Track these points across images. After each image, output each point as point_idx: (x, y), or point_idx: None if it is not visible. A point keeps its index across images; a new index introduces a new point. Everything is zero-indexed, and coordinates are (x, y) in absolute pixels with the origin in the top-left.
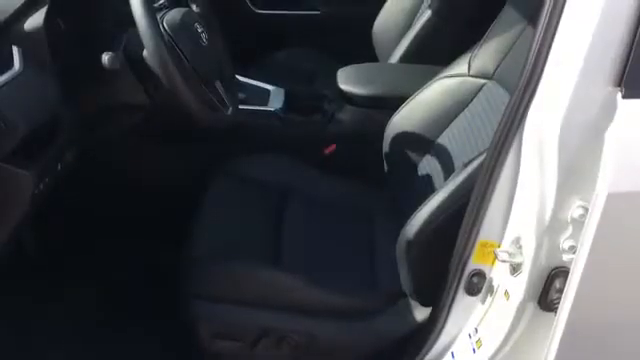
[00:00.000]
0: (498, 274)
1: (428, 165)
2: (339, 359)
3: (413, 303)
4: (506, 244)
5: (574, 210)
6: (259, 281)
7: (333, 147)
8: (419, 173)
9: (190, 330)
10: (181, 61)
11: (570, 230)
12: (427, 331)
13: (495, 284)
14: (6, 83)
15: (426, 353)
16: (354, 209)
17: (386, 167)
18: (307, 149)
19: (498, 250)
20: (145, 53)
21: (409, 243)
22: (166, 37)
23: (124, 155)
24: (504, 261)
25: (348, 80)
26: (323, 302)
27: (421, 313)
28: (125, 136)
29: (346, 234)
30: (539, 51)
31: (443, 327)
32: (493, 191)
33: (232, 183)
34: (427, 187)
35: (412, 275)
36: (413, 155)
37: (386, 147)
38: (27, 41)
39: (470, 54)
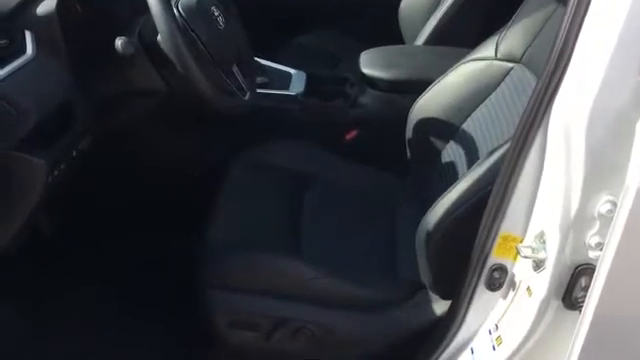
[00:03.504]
0: (520, 269)
1: (452, 152)
2: (355, 351)
3: (433, 296)
4: (529, 239)
5: (602, 205)
6: (277, 271)
7: (354, 133)
8: (442, 160)
9: (206, 319)
10: (196, 46)
11: (597, 226)
12: (446, 326)
13: (517, 280)
14: (18, 69)
15: (445, 348)
16: (375, 196)
17: (409, 154)
18: (328, 134)
19: (520, 245)
20: (159, 38)
21: (428, 234)
22: (180, 21)
23: (140, 142)
24: (527, 257)
25: (371, 63)
26: (341, 293)
27: (440, 306)
28: (141, 122)
29: (366, 222)
30: (568, 32)
31: (462, 322)
32: (516, 182)
33: (250, 169)
34: (450, 175)
35: (431, 267)
36: (436, 141)
37: (409, 133)
38: (40, 26)
39: (497, 36)
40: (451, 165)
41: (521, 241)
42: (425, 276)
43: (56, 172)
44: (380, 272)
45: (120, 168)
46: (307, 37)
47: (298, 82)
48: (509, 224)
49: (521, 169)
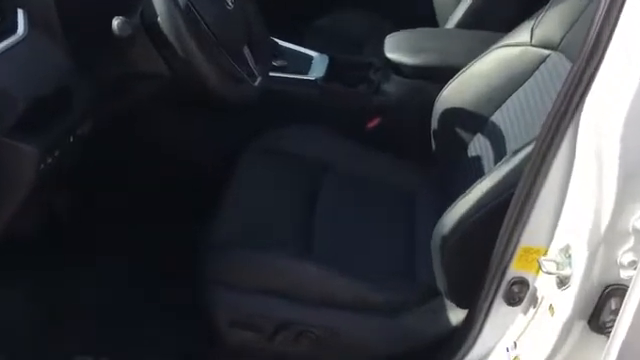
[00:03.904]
0: (543, 284)
1: (478, 146)
2: (360, 356)
3: (448, 303)
4: (553, 252)
5: (637, 219)
6: (285, 271)
7: (377, 121)
8: (468, 154)
9: (206, 317)
10: (199, 27)
11: (631, 242)
12: (460, 338)
13: (539, 295)
14: (7, 49)
15: None
16: (396, 190)
17: (434, 145)
18: (348, 122)
19: (543, 259)
20: (159, 19)
21: (444, 237)
22: (183, 2)
23: (144, 127)
24: (550, 273)
25: (396, 48)
26: (351, 294)
27: (457, 315)
28: (145, 107)
29: (385, 218)
30: (605, 18)
31: (478, 336)
32: (541, 187)
33: (263, 156)
34: (475, 171)
35: (446, 273)
36: (463, 133)
37: (435, 123)
38: (34, 3)
39: (533, 20)
40: (477, 160)
41: (544, 254)
42: (440, 282)
43: (49, 159)
44: (394, 272)
45: (123, 155)
46: (331, 18)
47: (319, 66)
48: (531, 235)
49: (547, 173)
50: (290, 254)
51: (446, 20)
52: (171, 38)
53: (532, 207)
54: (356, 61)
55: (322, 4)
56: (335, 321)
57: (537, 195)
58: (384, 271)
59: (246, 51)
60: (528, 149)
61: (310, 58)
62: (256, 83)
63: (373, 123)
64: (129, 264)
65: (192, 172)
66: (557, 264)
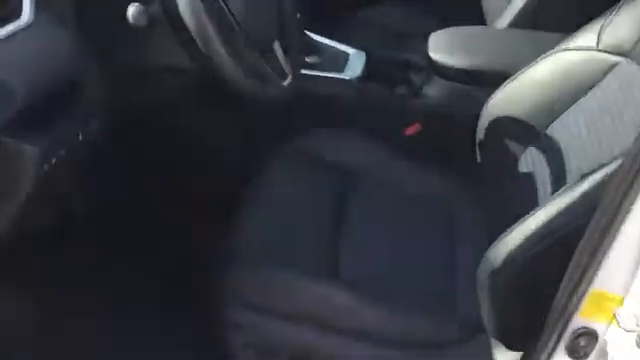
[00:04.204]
0: (617, 340)
1: (532, 163)
2: None
3: (494, 342)
4: (632, 302)
5: None
6: (309, 295)
7: (416, 127)
8: (519, 172)
9: (218, 336)
10: (224, 19)
11: None
12: None
13: (611, 352)
14: (8, 37)
15: None
16: (435, 206)
17: (479, 158)
18: (385, 127)
19: (620, 310)
20: (180, 8)
21: (493, 272)
22: None
23: (162, 125)
24: (629, 331)
25: (440, 47)
26: (381, 326)
27: (505, 357)
28: (164, 103)
29: (422, 237)
30: None
31: None
32: (623, 221)
33: (291, 161)
34: (527, 194)
35: (495, 313)
36: (514, 147)
37: (481, 133)
38: None
39: (601, 22)
40: (530, 181)
41: (620, 304)
42: (487, 320)
43: (54, 159)
44: (431, 303)
45: (142, 153)
46: (370, 11)
47: (356, 64)
48: (607, 277)
49: (632, 204)
50: (316, 276)
51: (496, 19)
52: (191, 28)
53: (611, 243)
54: (396, 59)
55: None
56: (361, 354)
57: (619, 229)
58: (421, 300)
59: (276, 46)
60: (600, 174)
61: (346, 55)
62: (286, 83)
63: (412, 129)
64: (144, 270)
65: (216, 174)
66: (638, 319)
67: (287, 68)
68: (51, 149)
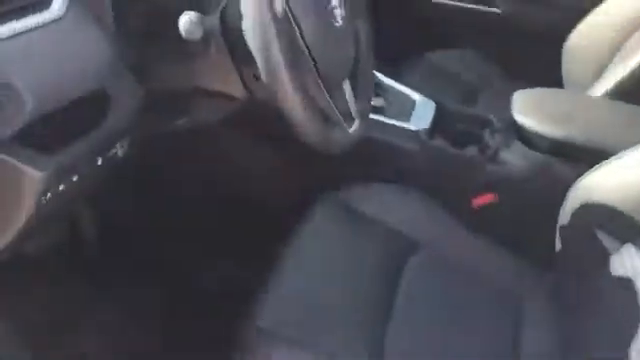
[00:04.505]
0: None
1: (630, 267)
2: None
3: None
4: None
5: None
6: None
7: (489, 198)
8: (610, 274)
9: None
10: (296, 46)
11: None
12: None
13: None
14: (31, 30)
15: None
16: (501, 293)
17: (558, 244)
18: (452, 192)
19: None
20: (244, 24)
21: None
22: (280, 6)
23: (202, 150)
24: None
25: (528, 110)
26: None
27: None
28: (202, 130)
29: (480, 331)
30: None
31: None
32: None
33: (340, 216)
34: (621, 305)
35: None
36: (607, 242)
37: (566, 217)
38: None
39: None
40: (625, 288)
41: None
42: None
43: (62, 186)
44: None
45: (168, 180)
46: (441, 54)
47: (423, 113)
48: None
49: None
50: None
51: (579, 84)
52: (255, 52)
53: None
54: (469, 115)
55: (434, 36)
56: None
57: None
58: None
59: (346, 85)
60: None
61: (411, 102)
62: (352, 129)
63: (483, 200)
64: (158, 307)
65: (252, 214)
66: None
67: (355, 112)
68: (60, 175)
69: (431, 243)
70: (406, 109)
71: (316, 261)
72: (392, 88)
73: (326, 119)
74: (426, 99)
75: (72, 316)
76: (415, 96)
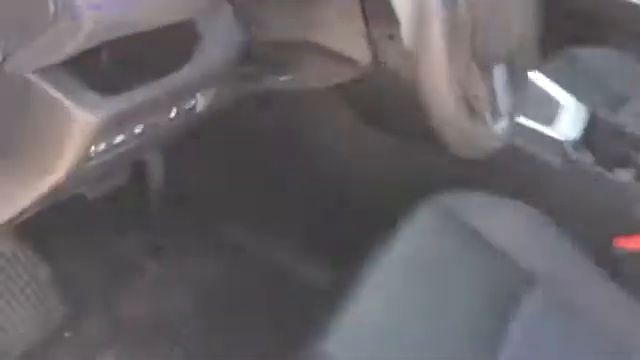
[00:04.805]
0: None
1: None
2: None
3: None
4: None
5: None
6: None
7: (637, 242)
8: None
9: None
10: (455, 13)
11: None
12: None
13: None
14: None
15: None
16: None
17: None
18: (589, 222)
19: None
20: None
21: None
22: None
23: (300, 129)
24: None
25: None
26: None
27: None
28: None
29: None
30: None
31: None
32: None
33: (441, 225)
34: None
35: None
36: None
37: None
38: None
39: None
40: None
41: None
42: None
43: (120, 137)
44: None
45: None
46: (589, 51)
47: (570, 120)
48: None
49: None
50: None
51: None
52: (402, 11)
53: None
54: (618, 130)
55: (583, 29)
56: None
57: None
58: None
59: (498, 73)
60: None
61: (555, 104)
62: (499, 129)
63: (631, 244)
64: (211, 282)
65: (343, 208)
66: None
67: (504, 107)
68: (121, 123)
69: (552, 280)
70: (549, 113)
71: (406, 276)
72: (536, 87)
73: (473, 113)
74: (578, 103)
75: (121, 272)
76: (562, 98)
